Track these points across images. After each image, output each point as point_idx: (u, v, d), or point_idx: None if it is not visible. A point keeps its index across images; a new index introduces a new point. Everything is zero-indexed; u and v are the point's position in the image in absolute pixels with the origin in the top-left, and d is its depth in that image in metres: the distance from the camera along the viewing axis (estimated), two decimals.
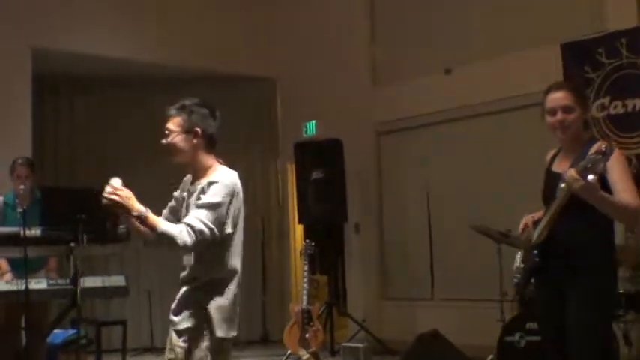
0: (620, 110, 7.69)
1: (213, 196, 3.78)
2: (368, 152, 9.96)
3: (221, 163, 3.99)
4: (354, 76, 10.06)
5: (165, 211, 4.08)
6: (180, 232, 3.68)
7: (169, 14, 9.88)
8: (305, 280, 8.51)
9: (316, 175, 9.41)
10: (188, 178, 4.08)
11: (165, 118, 3.99)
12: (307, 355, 8.21)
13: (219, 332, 3.81)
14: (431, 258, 9.30)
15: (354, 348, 8.30)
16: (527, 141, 8.40)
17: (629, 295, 6.03)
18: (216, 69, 10.24)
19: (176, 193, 4.09)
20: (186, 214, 3.86)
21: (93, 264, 8.20)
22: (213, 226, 3.72)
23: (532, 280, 4.14)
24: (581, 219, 3.79)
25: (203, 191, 3.82)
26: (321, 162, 9.49)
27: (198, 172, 3.96)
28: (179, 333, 3.85)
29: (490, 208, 8.38)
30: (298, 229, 10.80)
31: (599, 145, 3.71)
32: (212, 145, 3.97)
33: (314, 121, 10.52)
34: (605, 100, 7.86)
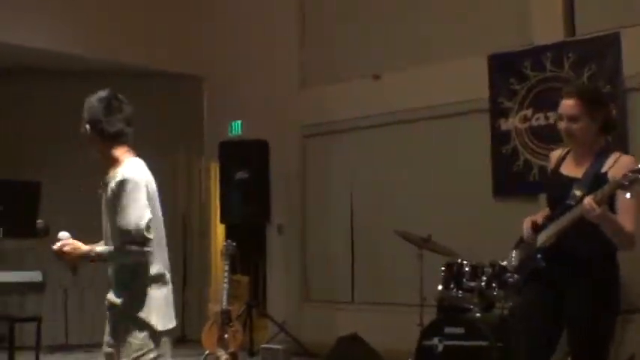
0: (542, 122, 7.84)
1: (127, 196, 3.70)
2: (293, 154, 9.93)
3: (131, 155, 3.89)
4: (282, 78, 10.02)
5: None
6: (125, 251, 3.68)
7: (94, 6, 9.67)
8: (225, 280, 8.43)
9: (240, 175, 9.37)
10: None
11: None
12: (226, 356, 8.13)
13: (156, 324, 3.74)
14: (352, 261, 9.30)
15: (273, 350, 8.27)
16: (452, 148, 8.52)
17: None
18: (141, 64, 10.07)
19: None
20: (105, 209, 3.84)
21: (8, 258, 7.99)
22: (141, 225, 3.66)
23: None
24: (588, 230, 3.79)
25: (115, 192, 3.74)
26: (246, 162, 9.45)
27: (106, 165, 3.88)
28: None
29: (413, 214, 8.44)
30: (220, 229, 10.71)
31: (621, 161, 3.81)
32: (112, 138, 3.85)
33: (240, 121, 10.45)
34: (529, 112, 8.00)
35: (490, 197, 8.20)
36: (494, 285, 6.42)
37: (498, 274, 6.31)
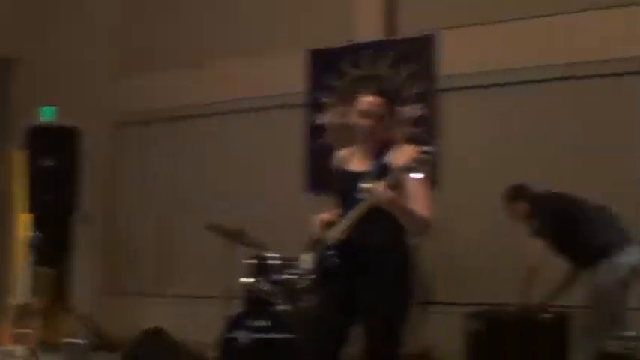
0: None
1: None
2: (106, 142, 9.61)
3: None
4: (99, 64, 9.67)
5: None
6: None
7: None
8: (25, 272, 8.04)
9: (47, 162, 8.91)
10: None
11: None
12: (25, 351, 7.73)
13: None
14: (161, 253, 9.13)
15: (75, 344, 7.93)
16: (267, 142, 8.49)
17: None
18: None
19: None
20: None
21: None
22: None
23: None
24: (381, 221, 3.78)
25: None
26: (55, 149, 9.00)
27: None
28: None
29: (225, 207, 8.35)
30: (24, 219, 10.18)
31: (408, 150, 3.77)
32: None
33: (52, 107, 9.96)
34: (345, 108, 8.02)
35: (303, 191, 8.20)
36: (301, 278, 6.38)
37: None
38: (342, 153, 4.25)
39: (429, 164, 3.59)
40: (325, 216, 4.13)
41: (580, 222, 5.91)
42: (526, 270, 5.98)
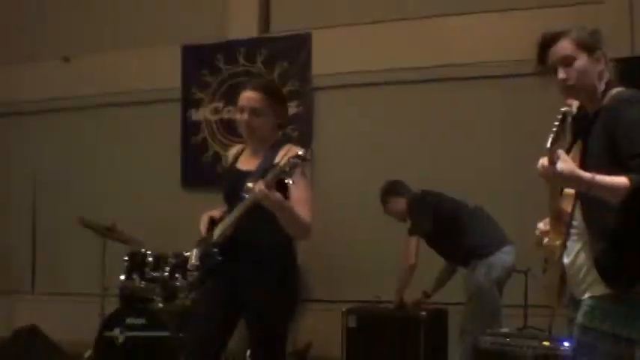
0: (233, 115, 7.92)
1: None
2: None
3: None
4: None
5: None
6: None
7: None
8: None
9: None
10: None
11: None
12: None
13: None
14: (33, 250, 8.88)
15: None
16: (141, 136, 8.43)
17: None
18: None
19: None
20: None
21: None
22: None
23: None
24: (265, 220, 3.72)
25: None
26: None
27: None
28: None
29: (98, 202, 8.22)
30: None
31: (290, 151, 3.71)
32: None
33: None
34: (220, 105, 8.10)
35: (179, 187, 8.21)
36: (177, 276, 6.40)
37: (182, 264, 6.29)
38: (233, 150, 4.22)
39: (299, 168, 3.54)
40: (214, 213, 4.09)
41: (458, 221, 6.01)
42: (403, 267, 6.11)
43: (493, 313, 5.81)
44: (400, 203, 6.24)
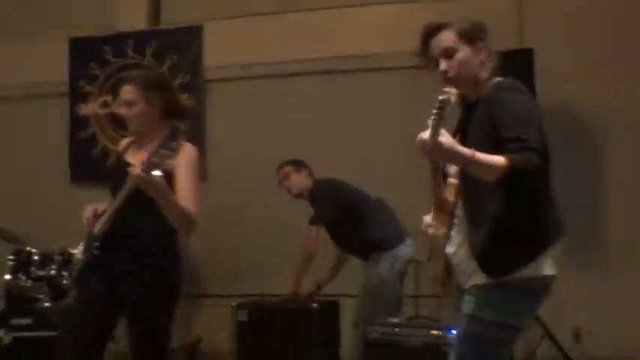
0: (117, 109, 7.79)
1: None
2: None
3: None
4: None
5: None
6: None
7: None
8: None
9: None
10: None
11: None
12: None
13: None
14: None
15: None
16: (28, 132, 8.20)
17: None
18: None
19: None
20: None
21: None
22: None
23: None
24: (146, 210, 3.65)
25: None
26: None
27: None
28: None
29: None
30: None
31: (189, 153, 3.75)
32: None
33: None
34: (109, 98, 7.92)
35: (67, 183, 8.00)
36: (64, 273, 6.22)
37: (69, 262, 6.12)
38: (123, 143, 4.16)
39: (167, 159, 3.51)
40: (98, 206, 3.99)
41: (360, 212, 5.98)
42: (302, 255, 6.09)
43: (395, 305, 5.84)
44: (308, 181, 6.23)
